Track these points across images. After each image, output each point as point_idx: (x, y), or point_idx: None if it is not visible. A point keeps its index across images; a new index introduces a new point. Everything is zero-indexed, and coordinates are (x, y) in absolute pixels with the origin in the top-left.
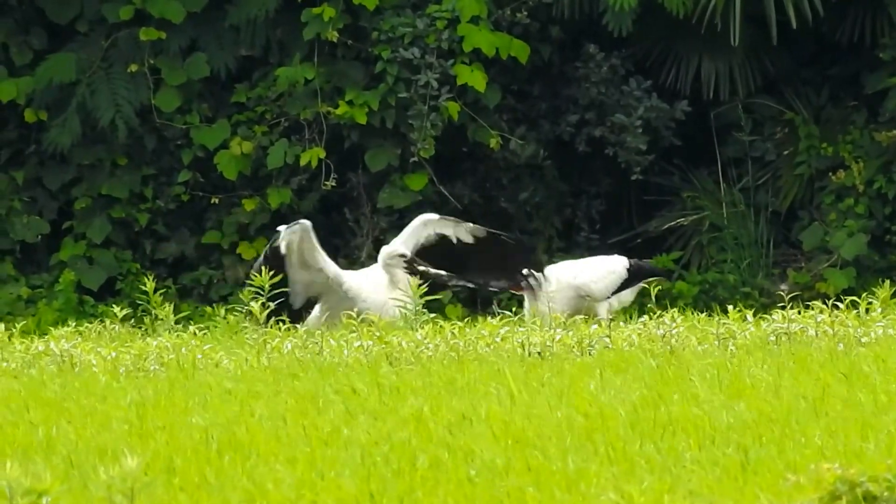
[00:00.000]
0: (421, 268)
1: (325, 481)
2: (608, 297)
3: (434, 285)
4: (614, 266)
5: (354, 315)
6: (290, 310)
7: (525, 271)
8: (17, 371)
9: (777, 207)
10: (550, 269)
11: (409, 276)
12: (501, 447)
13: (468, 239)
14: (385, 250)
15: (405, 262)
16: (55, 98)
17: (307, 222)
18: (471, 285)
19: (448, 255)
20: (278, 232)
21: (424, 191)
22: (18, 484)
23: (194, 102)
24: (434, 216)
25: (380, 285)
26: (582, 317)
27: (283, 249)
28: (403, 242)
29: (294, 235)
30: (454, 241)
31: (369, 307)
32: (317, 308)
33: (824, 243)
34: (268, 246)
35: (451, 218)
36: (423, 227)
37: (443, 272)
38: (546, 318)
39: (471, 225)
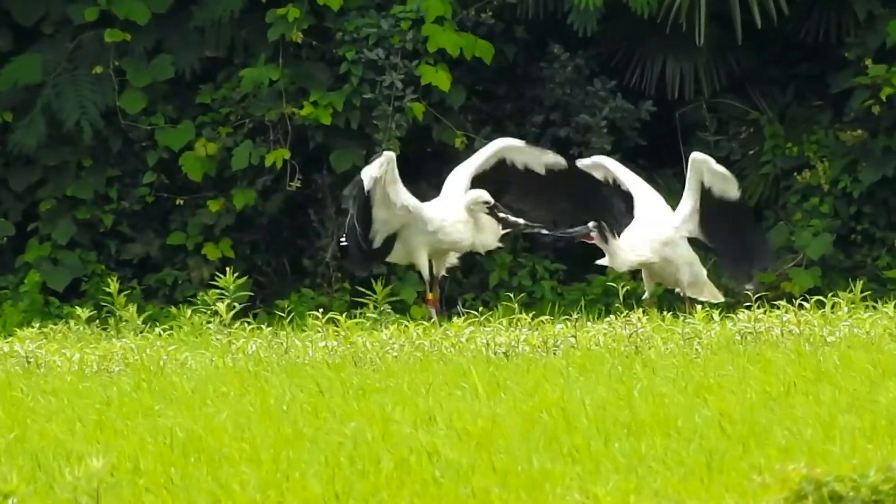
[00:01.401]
0: (501, 214)
1: (290, 482)
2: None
3: (507, 229)
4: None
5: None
6: (368, 250)
7: (593, 223)
8: None
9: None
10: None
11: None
12: (466, 447)
13: (539, 170)
14: (472, 194)
15: (488, 207)
16: (20, 99)
17: (391, 153)
18: (544, 231)
19: (504, 184)
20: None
21: None
22: None
23: (159, 104)
24: (517, 143)
25: (461, 223)
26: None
27: (367, 186)
28: (475, 168)
29: (381, 168)
30: (520, 168)
31: (454, 242)
32: (396, 246)
33: (790, 243)
34: (354, 187)
35: (536, 147)
36: (495, 153)
37: (520, 220)
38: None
39: (551, 154)
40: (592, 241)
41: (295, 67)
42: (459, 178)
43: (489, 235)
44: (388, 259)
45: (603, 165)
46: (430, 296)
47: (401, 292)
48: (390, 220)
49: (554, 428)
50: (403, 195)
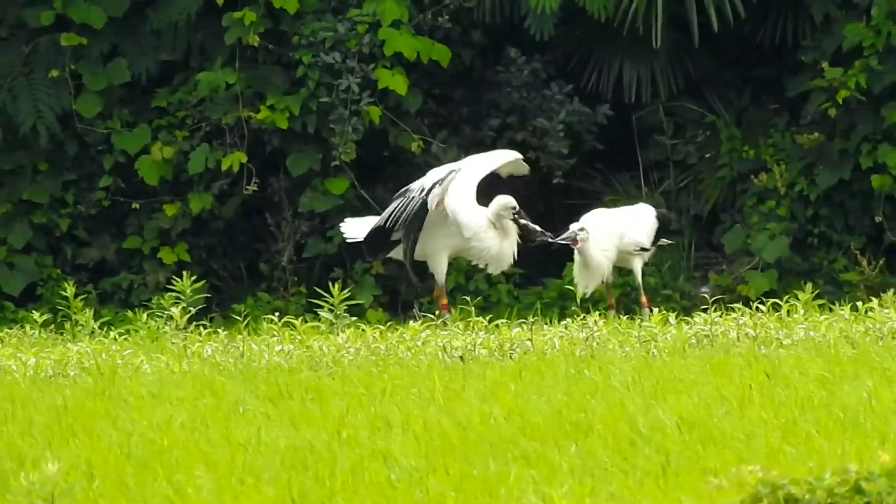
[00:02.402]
0: (523, 221)
1: (245, 486)
2: (650, 250)
3: (525, 238)
4: (650, 215)
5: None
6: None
7: (576, 226)
8: None
9: (699, 210)
10: (589, 220)
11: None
12: (422, 451)
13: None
14: (500, 200)
15: (514, 213)
16: None
17: (455, 168)
18: (550, 239)
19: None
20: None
21: (346, 195)
22: None
23: (115, 108)
24: (519, 156)
25: (491, 230)
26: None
27: (431, 202)
28: (483, 175)
29: (447, 182)
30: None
31: (484, 249)
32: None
33: (746, 246)
34: (413, 203)
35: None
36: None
37: (537, 227)
38: (598, 273)
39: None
40: (576, 244)
41: (251, 71)
42: (468, 185)
43: (511, 245)
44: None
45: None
46: (444, 301)
47: (357, 296)
48: (429, 223)
49: (510, 431)
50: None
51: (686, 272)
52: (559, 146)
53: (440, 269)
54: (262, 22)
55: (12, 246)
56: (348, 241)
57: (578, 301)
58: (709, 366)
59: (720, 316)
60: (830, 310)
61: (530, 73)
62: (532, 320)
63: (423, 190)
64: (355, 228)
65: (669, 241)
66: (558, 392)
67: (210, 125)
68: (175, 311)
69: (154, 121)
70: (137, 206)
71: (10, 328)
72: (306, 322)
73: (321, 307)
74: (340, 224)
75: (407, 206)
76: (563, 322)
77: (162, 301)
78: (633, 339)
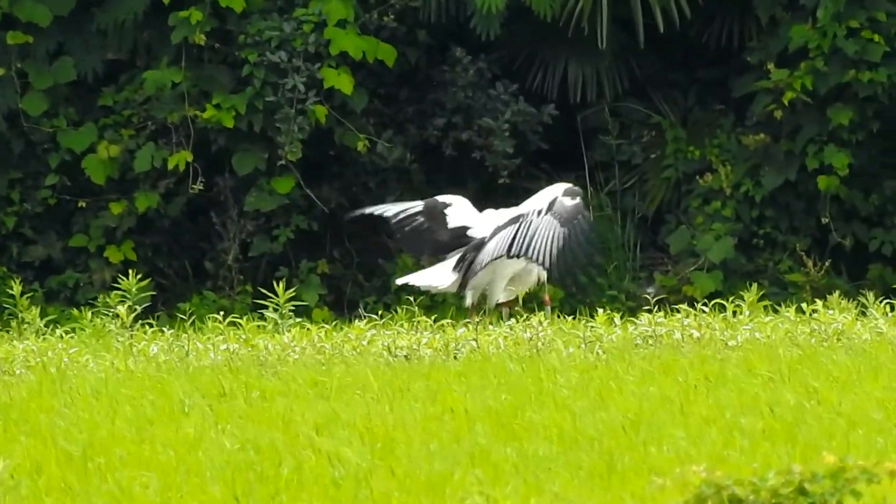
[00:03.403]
0: None
1: (190, 485)
2: None
3: None
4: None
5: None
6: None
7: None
8: None
9: (644, 211)
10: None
11: None
12: (367, 451)
13: None
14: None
15: None
16: None
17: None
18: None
19: None
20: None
21: (291, 194)
22: None
23: (61, 106)
24: None
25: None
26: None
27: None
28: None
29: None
30: None
31: (532, 274)
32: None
33: (691, 246)
34: (571, 218)
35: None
36: None
37: None
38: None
39: None
40: None
41: (197, 70)
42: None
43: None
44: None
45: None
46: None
47: (303, 295)
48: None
49: (455, 431)
50: None
51: (631, 273)
52: (504, 146)
53: (499, 295)
54: (209, 21)
55: None
56: (426, 288)
57: (521, 301)
58: (654, 366)
59: (665, 317)
60: (776, 311)
61: (476, 73)
62: (477, 320)
63: (539, 212)
64: (432, 276)
65: None
66: (503, 392)
67: (156, 124)
68: (120, 309)
69: (100, 119)
70: (84, 204)
71: None
72: (252, 321)
73: (267, 306)
74: (408, 279)
75: (540, 232)
76: (508, 322)
77: (108, 299)
78: (578, 339)
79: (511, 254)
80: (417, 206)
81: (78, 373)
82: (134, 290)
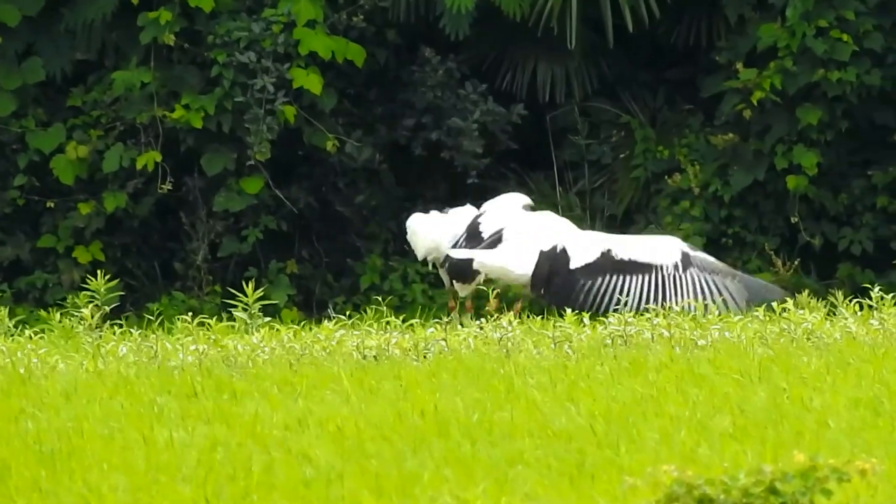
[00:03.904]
0: None
1: (160, 486)
2: None
3: None
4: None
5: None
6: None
7: None
8: None
9: (613, 211)
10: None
11: None
12: (337, 451)
13: None
14: None
15: None
16: None
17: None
18: None
19: None
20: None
21: (260, 194)
22: None
23: (30, 107)
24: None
25: None
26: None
27: None
28: None
29: None
30: None
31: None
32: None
33: None
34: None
35: None
36: None
37: None
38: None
39: None
40: None
41: (166, 70)
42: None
43: None
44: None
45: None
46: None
47: (272, 295)
48: None
49: (425, 431)
50: None
51: None
52: (473, 146)
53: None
54: (178, 21)
55: None
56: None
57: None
58: (624, 366)
59: (634, 317)
60: None
61: (445, 73)
62: (447, 320)
63: (677, 267)
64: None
65: None
66: (473, 392)
67: (124, 124)
68: (85, 312)
69: (69, 120)
70: (52, 204)
71: None
72: (221, 321)
73: (236, 307)
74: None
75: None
76: (478, 322)
77: (76, 300)
78: (548, 339)
79: (651, 302)
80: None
81: (47, 374)
82: (102, 290)
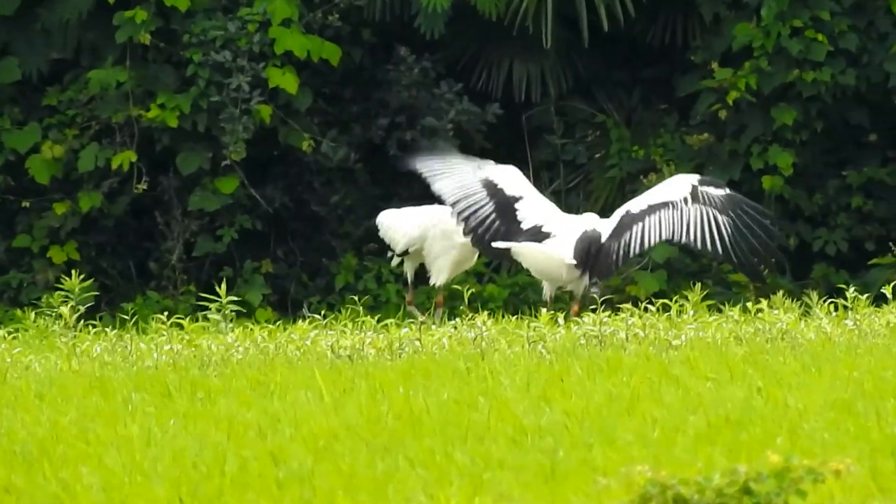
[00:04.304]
0: None
1: (134, 485)
2: None
3: None
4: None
5: None
6: None
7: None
8: None
9: (589, 210)
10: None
11: None
12: (311, 451)
13: None
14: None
15: None
16: None
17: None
18: None
19: None
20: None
21: (235, 194)
22: None
23: (6, 106)
24: None
25: None
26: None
27: None
28: None
29: None
30: None
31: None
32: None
33: None
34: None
35: None
36: None
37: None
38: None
39: None
40: None
41: (142, 70)
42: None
43: None
44: None
45: None
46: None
47: (246, 295)
48: None
49: (399, 431)
50: None
51: None
52: (448, 145)
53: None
54: (153, 21)
55: None
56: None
57: (466, 301)
58: (598, 366)
59: (609, 316)
60: (720, 310)
61: (420, 72)
62: (421, 320)
63: (686, 201)
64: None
65: None
66: (447, 392)
67: (100, 124)
68: (64, 309)
69: (44, 119)
70: (27, 204)
71: None
72: (196, 321)
73: (210, 307)
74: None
75: (697, 222)
76: (452, 322)
77: (51, 300)
78: (522, 339)
79: (674, 239)
80: (477, 191)
81: (21, 373)
82: (77, 290)
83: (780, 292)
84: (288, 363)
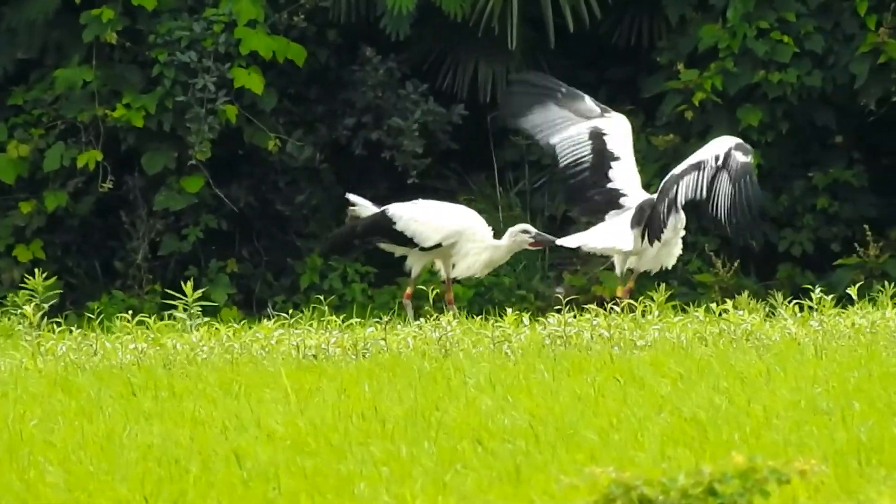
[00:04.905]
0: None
1: (98, 484)
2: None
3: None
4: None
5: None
6: None
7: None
8: None
9: (553, 211)
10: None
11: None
12: (276, 450)
13: None
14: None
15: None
16: None
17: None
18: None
19: None
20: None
21: (201, 193)
22: None
23: None
24: None
25: None
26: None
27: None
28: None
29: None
30: None
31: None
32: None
33: None
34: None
35: None
36: None
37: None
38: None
39: None
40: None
41: (108, 69)
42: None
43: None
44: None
45: None
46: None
47: (212, 294)
48: None
49: (364, 431)
50: None
51: (540, 272)
52: (414, 146)
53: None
54: (120, 20)
55: None
56: (588, 250)
57: (431, 301)
58: (563, 366)
59: (574, 317)
60: (685, 311)
61: (385, 73)
62: (386, 320)
63: (717, 159)
64: (597, 236)
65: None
66: (412, 392)
67: (66, 123)
68: (28, 308)
69: (10, 119)
70: None
71: None
72: (162, 320)
73: (176, 306)
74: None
75: (716, 186)
76: (417, 322)
77: (16, 298)
78: (487, 339)
79: (700, 197)
80: (584, 147)
81: None
82: (41, 288)
83: (745, 293)
84: (253, 362)
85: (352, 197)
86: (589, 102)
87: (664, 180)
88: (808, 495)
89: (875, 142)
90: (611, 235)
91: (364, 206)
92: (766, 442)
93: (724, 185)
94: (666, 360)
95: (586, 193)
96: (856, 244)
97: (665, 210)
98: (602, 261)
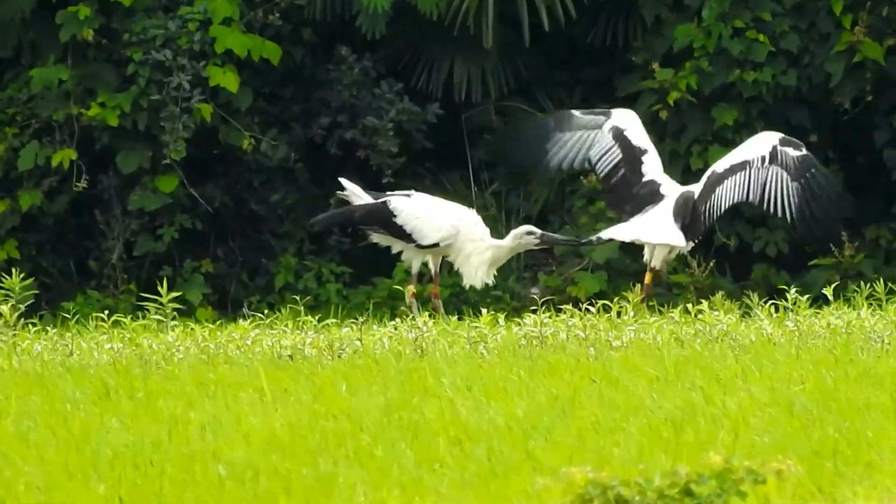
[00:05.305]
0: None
1: (75, 483)
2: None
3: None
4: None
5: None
6: None
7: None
8: None
9: (528, 211)
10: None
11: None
12: (252, 450)
13: None
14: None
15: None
16: None
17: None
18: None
19: None
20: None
21: (175, 193)
22: None
23: None
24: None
25: None
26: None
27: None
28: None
29: None
30: None
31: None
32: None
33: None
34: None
35: None
36: None
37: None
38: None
39: None
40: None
41: (83, 68)
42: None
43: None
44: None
45: None
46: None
47: (187, 294)
48: None
49: (340, 431)
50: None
51: (516, 273)
52: (389, 145)
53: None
54: (96, 18)
55: None
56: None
57: (407, 301)
58: (539, 367)
59: (550, 317)
60: (660, 311)
61: (360, 72)
62: (361, 320)
63: (763, 160)
64: (628, 230)
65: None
66: (388, 392)
67: (40, 122)
68: (4, 308)
69: None
70: None
71: None
72: (136, 320)
73: (150, 306)
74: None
75: (771, 184)
76: (393, 322)
77: None
78: (463, 339)
79: (750, 199)
80: (611, 144)
81: None
82: (17, 288)
83: (720, 293)
84: (229, 363)
85: (344, 182)
86: (578, 113)
87: (706, 176)
88: (783, 495)
89: (850, 141)
90: (665, 230)
91: (354, 193)
92: (742, 442)
93: (784, 184)
94: (642, 361)
95: (632, 191)
96: (831, 244)
97: (707, 216)
98: (578, 261)
